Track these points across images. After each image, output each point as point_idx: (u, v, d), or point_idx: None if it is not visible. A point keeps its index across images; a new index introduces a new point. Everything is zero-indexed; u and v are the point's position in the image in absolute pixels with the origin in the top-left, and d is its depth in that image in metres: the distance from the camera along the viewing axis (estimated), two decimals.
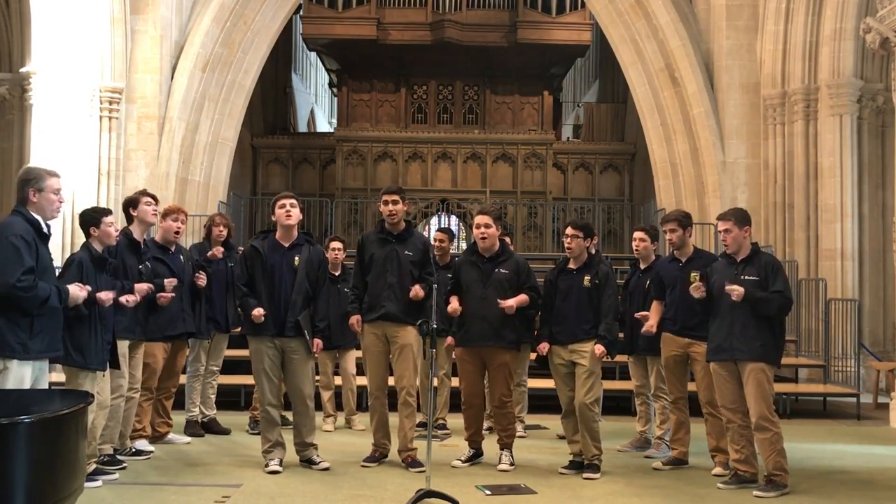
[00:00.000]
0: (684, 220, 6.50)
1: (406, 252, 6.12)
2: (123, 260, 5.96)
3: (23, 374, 4.50)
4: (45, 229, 4.70)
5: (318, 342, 6.05)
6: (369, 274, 6.16)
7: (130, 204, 6.27)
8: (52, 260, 4.79)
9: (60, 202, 4.79)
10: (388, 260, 6.11)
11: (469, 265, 6.29)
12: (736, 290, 5.56)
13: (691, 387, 6.45)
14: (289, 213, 5.97)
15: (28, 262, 4.47)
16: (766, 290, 5.62)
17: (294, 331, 5.92)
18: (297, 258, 5.98)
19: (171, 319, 6.56)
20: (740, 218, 5.84)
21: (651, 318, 6.44)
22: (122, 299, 5.52)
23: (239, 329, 7.25)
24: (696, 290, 5.84)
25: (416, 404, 6.34)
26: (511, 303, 6.07)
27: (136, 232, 6.21)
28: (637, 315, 6.71)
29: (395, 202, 6.15)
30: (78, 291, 4.87)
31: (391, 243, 6.16)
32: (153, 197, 6.37)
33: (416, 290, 6.00)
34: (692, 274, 6.19)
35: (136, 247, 6.14)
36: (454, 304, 6.17)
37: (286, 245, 6.02)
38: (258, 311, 5.87)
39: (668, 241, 6.52)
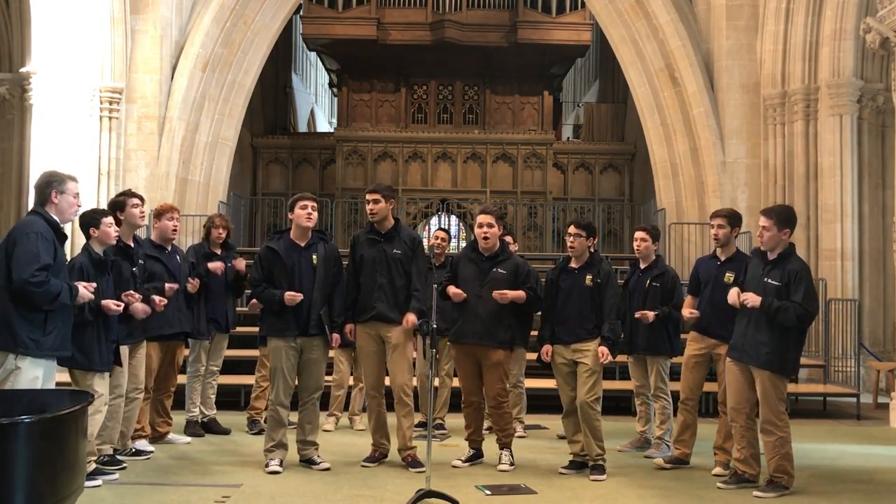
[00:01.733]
0: (734, 219, 6.33)
1: (394, 251, 6.11)
2: (118, 266, 5.90)
3: (35, 374, 4.58)
4: (63, 230, 4.86)
5: (336, 337, 6.12)
6: (361, 275, 6.16)
7: (117, 207, 6.11)
8: (66, 261, 4.87)
9: (78, 206, 4.97)
10: (377, 260, 6.10)
11: (468, 261, 6.28)
12: (750, 301, 5.49)
13: (709, 387, 6.40)
14: (310, 215, 6.01)
15: (44, 260, 4.59)
16: (787, 298, 5.46)
17: (317, 328, 5.97)
18: (314, 257, 6.01)
19: (166, 319, 6.52)
20: (783, 218, 5.63)
21: (685, 310, 6.39)
22: (125, 298, 5.52)
23: (258, 329, 7.24)
24: (733, 296, 5.67)
25: (414, 403, 6.34)
26: (506, 292, 6.06)
27: (124, 234, 6.03)
28: (638, 314, 6.71)
29: (375, 201, 6.13)
30: (85, 291, 4.93)
31: (379, 243, 6.15)
32: (140, 197, 6.27)
33: (409, 318, 5.99)
34: (727, 274, 6.11)
35: (127, 251, 6.06)
36: (454, 289, 6.16)
37: (302, 244, 6.04)
38: (291, 294, 5.85)
39: (713, 235, 6.37)
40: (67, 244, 10.96)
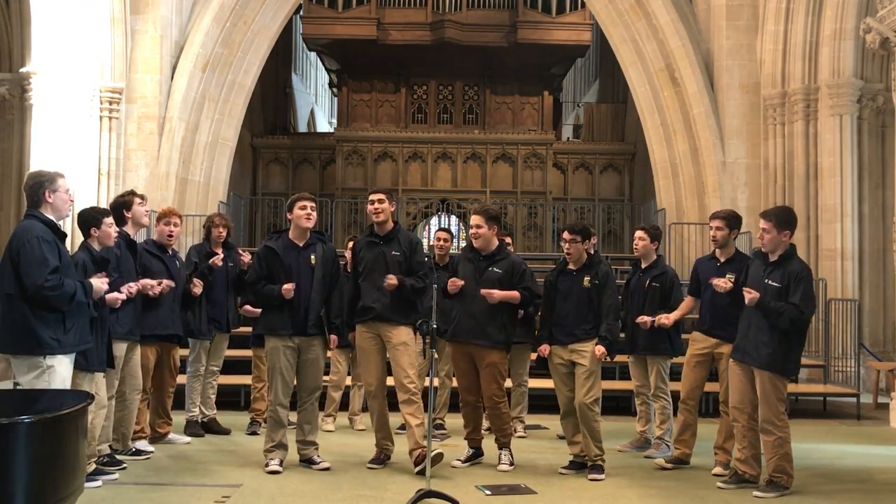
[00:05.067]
0: (732, 221, 6.34)
1: (393, 252, 6.10)
2: (123, 260, 5.95)
3: (65, 371, 4.72)
4: (61, 228, 4.87)
5: (333, 338, 6.12)
6: (362, 277, 6.16)
7: (123, 206, 6.20)
8: (70, 258, 4.89)
9: (71, 201, 5.00)
10: (377, 263, 6.10)
11: (466, 261, 6.32)
12: (749, 296, 5.52)
13: (709, 387, 6.41)
14: (309, 215, 6.05)
15: (53, 262, 4.64)
16: (786, 300, 5.49)
17: (316, 328, 5.98)
18: (313, 257, 6.03)
19: (160, 320, 6.53)
20: (782, 220, 5.66)
21: (675, 313, 6.44)
22: (125, 291, 5.55)
23: (251, 329, 7.27)
24: (724, 283, 5.80)
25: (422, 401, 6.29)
26: (494, 292, 6.06)
27: (130, 233, 6.17)
28: (638, 320, 6.72)
29: (381, 201, 6.13)
30: (100, 284, 4.99)
31: (378, 245, 6.16)
32: (143, 197, 6.36)
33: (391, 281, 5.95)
34: (728, 276, 6.08)
35: (134, 247, 6.15)
36: (454, 279, 6.15)
37: (301, 244, 6.06)
38: (288, 285, 5.87)
39: (711, 237, 6.39)
40: (67, 242, 11.13)
